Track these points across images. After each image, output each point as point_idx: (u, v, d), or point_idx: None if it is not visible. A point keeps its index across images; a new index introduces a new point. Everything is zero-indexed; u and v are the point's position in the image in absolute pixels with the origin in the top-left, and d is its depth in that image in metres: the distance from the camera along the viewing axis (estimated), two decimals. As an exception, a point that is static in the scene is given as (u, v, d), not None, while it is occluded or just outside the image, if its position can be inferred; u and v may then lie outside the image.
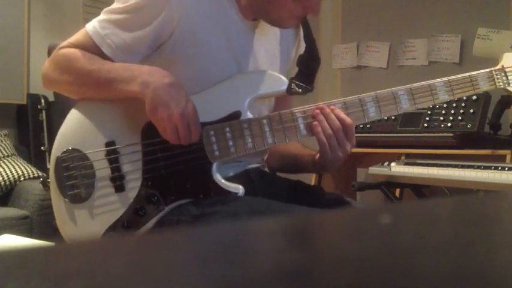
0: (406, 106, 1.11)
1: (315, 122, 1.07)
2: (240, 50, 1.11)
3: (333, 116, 1.06)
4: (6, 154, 2.89)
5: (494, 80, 1.18)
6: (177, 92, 0.98)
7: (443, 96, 1.13)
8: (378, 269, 0.25)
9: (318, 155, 1.12)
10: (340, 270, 0.25)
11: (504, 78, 1.19)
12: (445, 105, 2.44)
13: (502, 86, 1.19)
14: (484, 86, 1.17)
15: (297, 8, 1.05)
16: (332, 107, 1.08)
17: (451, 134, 2.31)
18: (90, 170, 1.05)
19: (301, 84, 1.14)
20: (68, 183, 1.05)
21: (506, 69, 1.19)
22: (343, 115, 1.07)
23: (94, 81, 1.04)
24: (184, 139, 0.98)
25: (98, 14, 1.10)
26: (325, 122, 1.06)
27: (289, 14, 1.07)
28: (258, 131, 1.05)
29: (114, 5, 1.07)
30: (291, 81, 1.11)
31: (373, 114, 1.10)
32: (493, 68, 1.19)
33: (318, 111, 1.07)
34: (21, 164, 2.87)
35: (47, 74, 1.11)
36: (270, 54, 1.18)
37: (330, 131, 1.06)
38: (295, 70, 1.19)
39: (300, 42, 1.23)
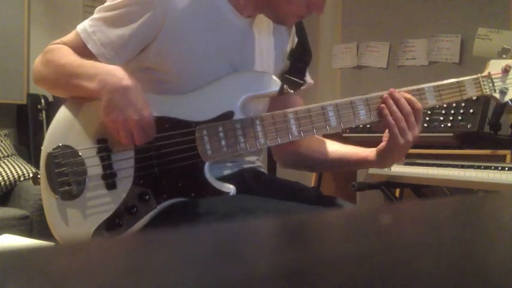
0: None
1: (383, 105, 1.09)
2: (234, 49, 1.11)
3: (403, 101, 1.08)
4: (6, 154, 2.89)
5: (481, 86, 1.20)
6: (134, 96, 0.97)
7: (432, 101, 1.15)
8: (378, 269, 0.25)
9: (383, 144, 1.13)
10: (339, 270, 0.25)
11: (491, 84, 1.21)
12: (445, 105, 2.44)
13: (489, 93, 1.21)
14: (471, 92, 1.19)
15: (303, 6, 1.06)
16: (402, 92, 1.10)
17: (451, 134, 2.30)
18: (82, 167, 1.04)
19: (293, 78, 1.14)
20: (59, 179, 1.04)
21: (493, 76, 1.21)
22: (414, 99, 1.09)
23: (64, 75, 1.04)
24: (140, 142, 0.99)
25: (98, 14, 1.11)
26: (395, 106, 1.08)
27: (296, 12, 1.08)
28: (250, 131, 1.05)
29: (105, 4, 1.08)
30: (283, 82, 1.11)
31: (363, 117, 1.11)
32: (480, 75, 1.21)
33: (387, 95, 1.09)
34: (21, 164, 2.88)
35: (35, 68, 1.12)
36: (266, 51, 1.18)
37: (399, 114, 1.07)
38: (286, 64, 1.20)
39: (294, 38, 1.24)
